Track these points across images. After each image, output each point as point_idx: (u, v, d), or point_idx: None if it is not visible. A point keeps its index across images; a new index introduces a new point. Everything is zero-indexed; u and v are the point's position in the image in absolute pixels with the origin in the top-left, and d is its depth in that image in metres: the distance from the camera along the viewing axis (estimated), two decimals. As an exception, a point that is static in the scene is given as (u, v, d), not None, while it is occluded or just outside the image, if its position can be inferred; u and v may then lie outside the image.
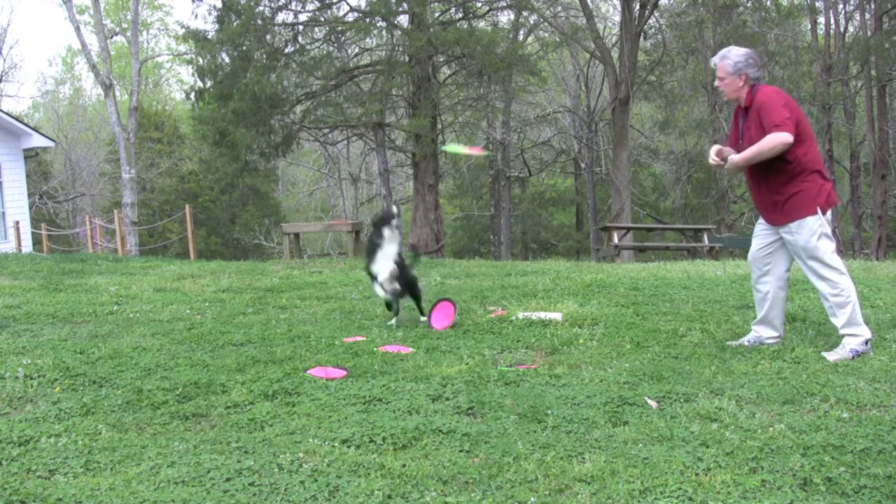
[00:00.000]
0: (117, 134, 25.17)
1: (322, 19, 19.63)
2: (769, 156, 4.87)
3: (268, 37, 18.53)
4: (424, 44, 17.73)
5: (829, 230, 5.00)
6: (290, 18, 19.45)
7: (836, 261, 4.98)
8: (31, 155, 23.45)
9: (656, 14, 25.12)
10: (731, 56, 5.05)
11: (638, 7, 22.75)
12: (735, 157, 5.05)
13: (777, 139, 4.80)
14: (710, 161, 5.29)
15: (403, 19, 19.33)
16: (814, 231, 4.93)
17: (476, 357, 5.18)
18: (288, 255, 15.10)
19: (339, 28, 19.25)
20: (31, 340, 5.98)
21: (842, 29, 25.70)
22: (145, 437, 3.87)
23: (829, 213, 5.01)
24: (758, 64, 5.07)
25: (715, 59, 5.15)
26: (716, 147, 5.29)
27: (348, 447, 3.59)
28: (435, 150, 19.67)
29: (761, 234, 5.26)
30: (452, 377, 4.61)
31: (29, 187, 22.99)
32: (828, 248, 4.95)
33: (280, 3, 18.83)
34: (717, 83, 5.17)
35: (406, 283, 6.37)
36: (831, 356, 4.85)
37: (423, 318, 6.48)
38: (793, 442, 3.43)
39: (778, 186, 4.99)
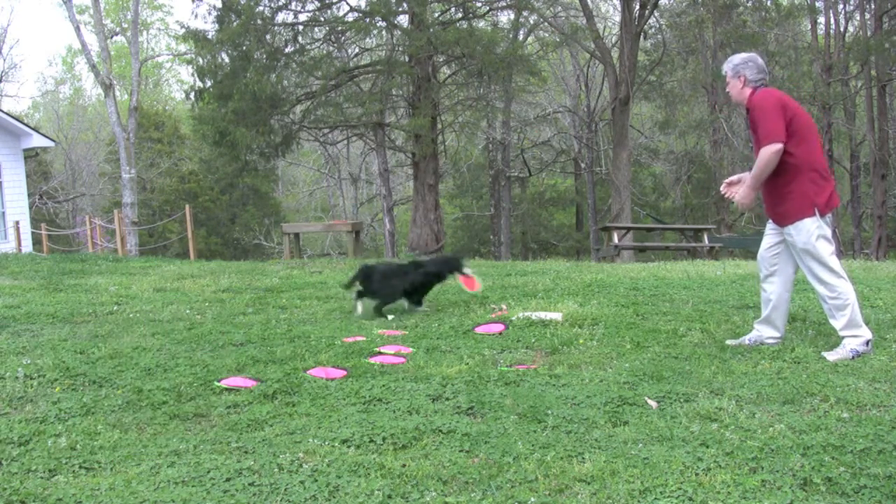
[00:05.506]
0: (117, 134, 25.16)
1: (322, 19, 19.63)
2: (770, 169, 4.92)
3: (268, 37, 18.52)
4: (424, 44, 17.72)
5: (828, 232, 4.96)
6: (290, 18, 19.45)
7: (835, 263, 4.95)
8: (31, 155, 23.45)
9: (656, 14, 25.11)
10: (733, 59, 5.19)
11: (638, 7, 22.73)
12: (743, 190, 5.11)
13: (768, 152, 4.88)
14: (723, 191, 5.39)
15: (403, 19, 19.33)
16: (811, 233, 4.90)
17: (476, 357, 5.18)
18: (288, 255, 15.11)
19: (339, 28, 19.25)
20: (31, 340, 5.99)
21: (842, 29, 25.70)
22: (145, 437, 3.88)
23: (829, 215, 4.99)
24: (759, 67, 5.08)
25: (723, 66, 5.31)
26: (727, 181, 5.39)
27: (348, 447, 3.59)
28: (435, 150, 19.65)
29: (770, 233, 5.26)
30: (452, 377, 4.61)
31: (29, 187, 22.99)
32: (826, 251, 4.91)
33: (280, 3, 18.82)
34: (726, 88, 5.29)
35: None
36: (831, 356, 4.84)
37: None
38: (793, 442, 3.42)
39: (777, 186, 4.98)
